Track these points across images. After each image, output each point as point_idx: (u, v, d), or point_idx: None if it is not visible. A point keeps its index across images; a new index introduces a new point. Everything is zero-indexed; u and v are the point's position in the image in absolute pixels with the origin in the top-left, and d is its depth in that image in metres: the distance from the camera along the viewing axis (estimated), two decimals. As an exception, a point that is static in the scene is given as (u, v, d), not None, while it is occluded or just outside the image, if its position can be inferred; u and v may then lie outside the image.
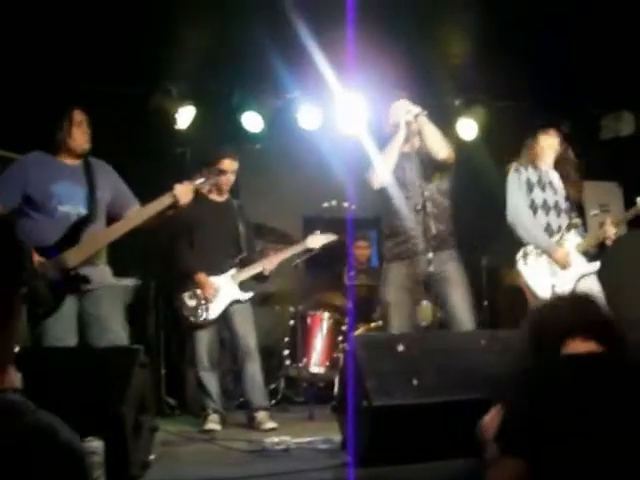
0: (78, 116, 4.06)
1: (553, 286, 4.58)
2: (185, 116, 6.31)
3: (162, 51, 5.70)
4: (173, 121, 6.28)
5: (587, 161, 6.46)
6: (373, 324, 5.85)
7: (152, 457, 3.28)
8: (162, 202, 4.08)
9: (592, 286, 4.57)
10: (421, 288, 4.48)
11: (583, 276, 4.63)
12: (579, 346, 2.16)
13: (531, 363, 2.28)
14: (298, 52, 5.53)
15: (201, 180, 4.28)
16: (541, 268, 4.65)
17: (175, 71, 6.14)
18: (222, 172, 4.86)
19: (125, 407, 2.91)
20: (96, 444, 2.70)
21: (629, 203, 5.27)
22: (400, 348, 3.33)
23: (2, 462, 0.96)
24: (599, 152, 6.70)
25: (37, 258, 3.74)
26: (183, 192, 4.09)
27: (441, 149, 4.47)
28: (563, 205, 4.77)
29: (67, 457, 1.02)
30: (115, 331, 3.99)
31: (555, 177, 4.82)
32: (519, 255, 4.75)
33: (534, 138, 4.83)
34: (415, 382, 3.17)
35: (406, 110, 4.46)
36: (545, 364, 2.22)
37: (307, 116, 6.63)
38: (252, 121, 6.57)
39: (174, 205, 4.09)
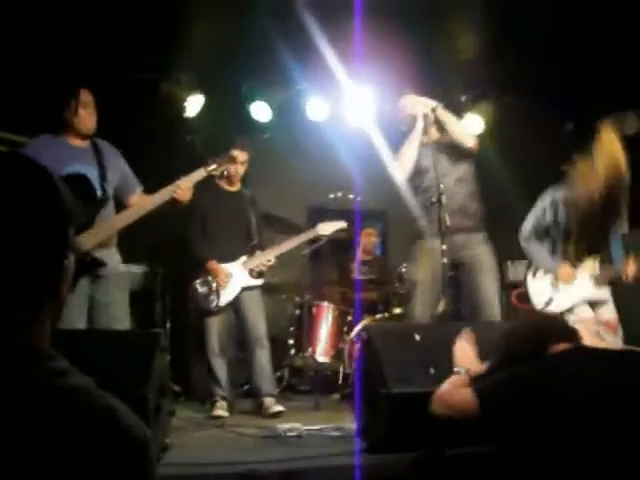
0: (85, 96, 4.06)
1: (550, 299, 4.60)
2: (194, 104, 6.33)
3: (173, 39, 5.70)
4: (182, 109, 6.30)
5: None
6: (378, 316, 5.88)
7: (167, 441, 3.31)
8: (164, 195, 4.10)
9: (605, 315, 4.57)
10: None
11: (591, 302, 4.59)
12: (561, 347, 2.43)
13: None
14: (307, 44, 5.55)
15: (214, 166, 4.32)
16: (545, 282, 4.69)
17: (185, 60, 6.15)
18: (232, 159, 4.91)
19: (148, 390, 2.93)
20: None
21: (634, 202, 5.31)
22: (417, 337, 3.37)
23: (57, 446, 0.95)
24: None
25: None
26: (183, 189, 4.11)
27: (467, 138, 4.52)
28: None
29: (127, 445, 1.00)
30: (121, 320, 4.03)
31: None
32: (529, 270, 4.79)
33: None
34: (432, 371, 3.21)
35: (422, 103, 4.50)
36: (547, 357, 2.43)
37: (315, 107, 6.66)
38: (261, 111, 6.59)
39: (176, 200, 4.13)
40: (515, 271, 6.28)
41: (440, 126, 4.55)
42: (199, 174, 4.24)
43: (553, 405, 2.22)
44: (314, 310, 5.91)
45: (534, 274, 4.77)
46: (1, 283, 1.03)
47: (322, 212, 6.10)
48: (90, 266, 3.89)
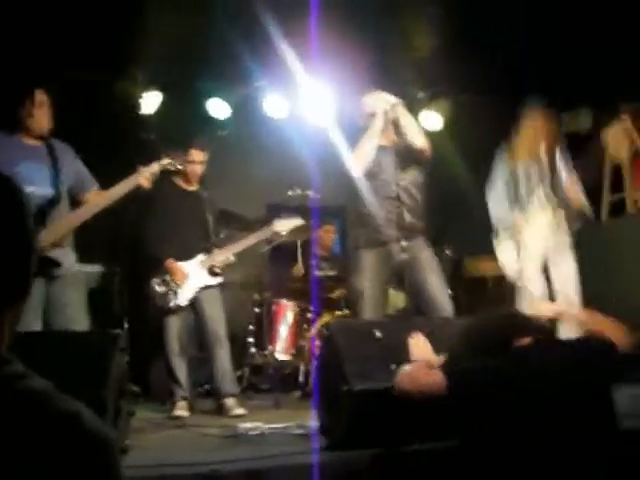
0: (40, 96, 4.02)
1: (519, 261, 4.74)
2: (151, 102, 6.26)
3: (128, 36, 5.62)
4: (139, 107, 6.23)
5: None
6: (338, 313, 5.89)
7: (127, 442, 3.27)
8: (128, 184, 4.14)
9: (565, 269, 4.72)
10: (393, 276, 4.53)
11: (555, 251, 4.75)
12: (525, 341, 2.49)
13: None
14: (264, 40, 5.52)
15: (168, 161, 4.33)
16: (508, 243, 4.80)
17: (141, 57, 6.07)
18: (187, 155, 4.89)
19: (106, 391, 2.89)
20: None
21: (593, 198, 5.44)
22: (378, 334, 3.37)
23: (20, 455, 0.92)
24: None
25: None
26: (147, 174, 4.19)
27: (418, 139, 4.53)
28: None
29: (93, 448, 0.98)
30: (78, 320, 3.98)
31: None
32: (493, 234, 4.90)
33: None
34: (393, 367, 3.21)
35: (384, 100, 4.51)
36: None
37: (273, 104, 6.64)
38: (218, 108, 6.55)
39: (138, 188, 4.18)
40: (474, 267, 6.34)
41: (397, 127, 4.55)
42: (152, 168, 4.24)
43: (518, 399, 2.25)
44: (274, 308, 5.90)
45: (497, 235, 4.88)
46: None
47: (281, 209, 6.06)
48: (42, 266, 3.83)
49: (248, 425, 3.88)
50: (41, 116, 4.02)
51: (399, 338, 3.34)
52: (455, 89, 6.91)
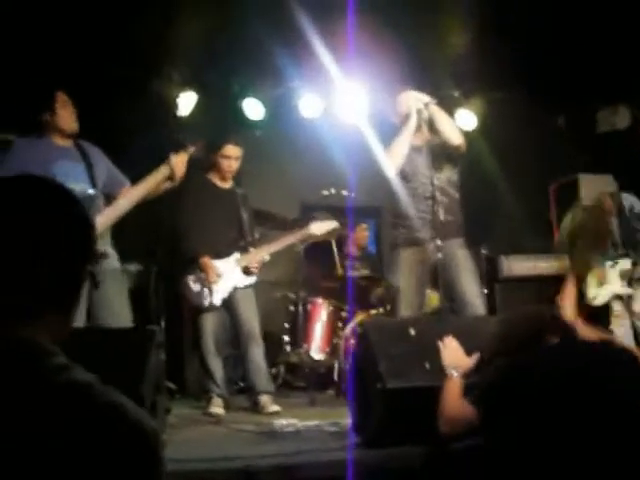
0: (62, 97, 4.07)
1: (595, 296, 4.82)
2: (186, 102, 6.31)
3: (163, 37, 5.67)
4: (174, 107, 6.28)
5: (584, 154, 6.58)
6: (372, 311, 5.89)
7: (164, 437, 3.31)
8: (160, 173, 4.17)
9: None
10: (429, 275, 4.53)
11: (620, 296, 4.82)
12: (552, 340, 2.51)
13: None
14: (299, 40, 5.54)
15: (192, 148, 4.34)
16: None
17: (176, 57, 6.12)
18: (224, 154, 4.92)
19: (144, 387, 2.94)
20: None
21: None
22: (412, 332, 3.38)
23: (65, 446, 0.95)
24: (595, 145, 6.80)
25: None
26: (178, 161, 4.20)
27: (455, 136, 4.54)
28: None
29: (137, 438, 1.01)
30: (122, 315, 4.03)
31: None
32: None
33: None
34: (427, 366, 3.22)
35: (417, 99, 4.51)
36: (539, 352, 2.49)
37: (308, 104, 6.66)
38: (253, 108, 6.58)
39: (171, 176, 4.19)
40: (509, 266, 6.27)
41: (431, 125, 4.55)
42: (179, 157, 4.27)
43: (541, 399, 2.26)
44: (309, 306, 5.92)
45: None
46: (15, 282, 1.07)
47: (315, 209, 6.09)
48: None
49: (283, 422, 3.91)
50: (67, 115, 4.06)
51: (433, 337, 3.34)
52: (490, 87, 6.86)
